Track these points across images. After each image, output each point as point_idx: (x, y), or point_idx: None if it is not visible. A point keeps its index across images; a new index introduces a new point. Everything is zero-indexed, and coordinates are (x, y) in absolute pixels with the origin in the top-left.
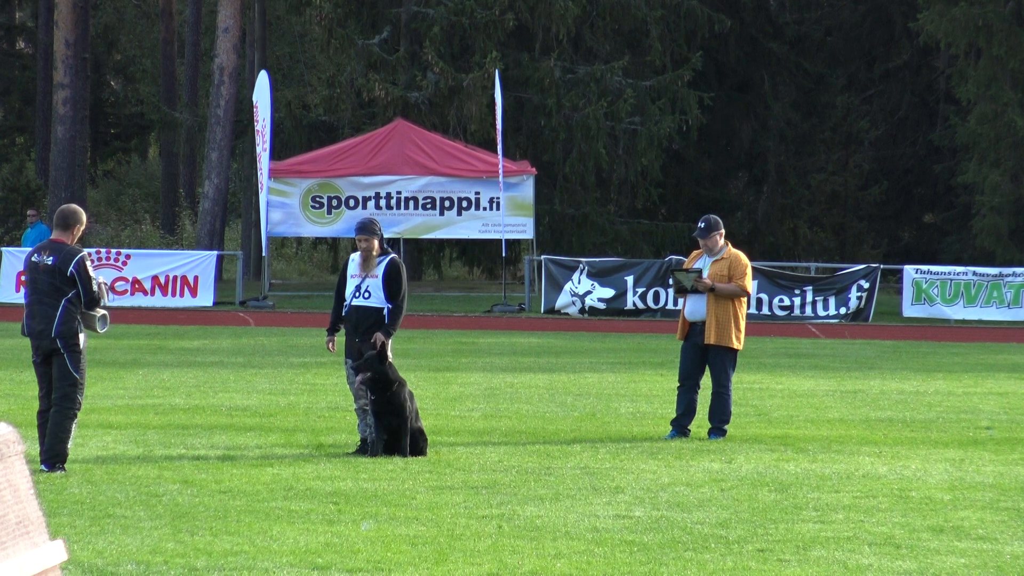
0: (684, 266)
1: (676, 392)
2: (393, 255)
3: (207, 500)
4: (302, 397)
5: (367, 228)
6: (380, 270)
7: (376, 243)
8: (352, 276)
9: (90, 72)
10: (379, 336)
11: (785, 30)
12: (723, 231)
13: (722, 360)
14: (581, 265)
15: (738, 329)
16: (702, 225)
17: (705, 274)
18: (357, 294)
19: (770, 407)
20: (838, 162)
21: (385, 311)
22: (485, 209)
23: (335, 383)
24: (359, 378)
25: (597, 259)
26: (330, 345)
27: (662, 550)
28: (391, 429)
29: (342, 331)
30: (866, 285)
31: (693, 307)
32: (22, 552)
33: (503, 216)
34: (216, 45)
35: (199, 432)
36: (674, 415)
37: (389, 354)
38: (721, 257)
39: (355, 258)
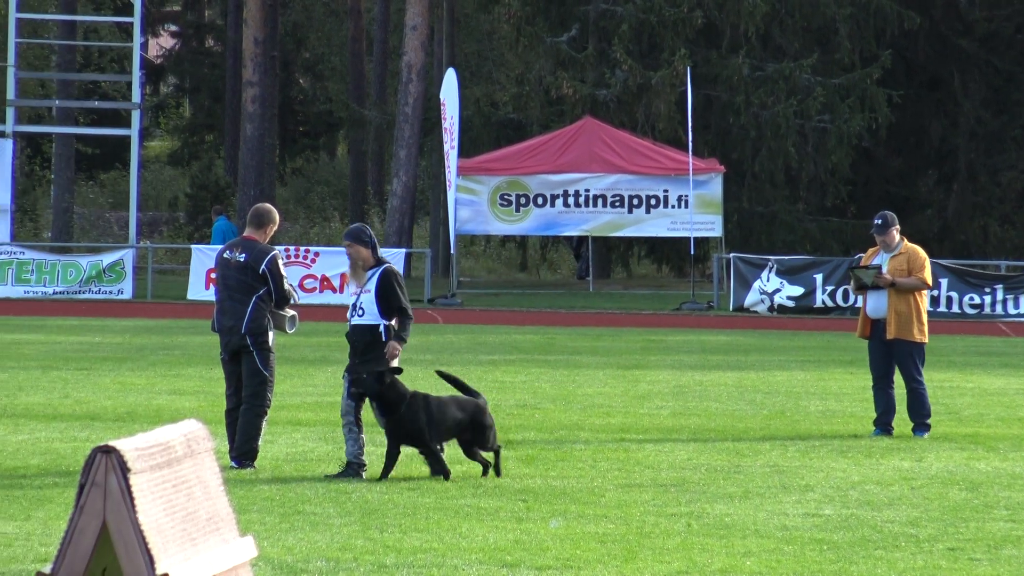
0: (862, 263)
1: (871, 391)
2: (387, 265)
3: (396, 497)
4: (490, 394)
5: (353, 234)
6: (372, 284)
7: (364, 251)
8: (351, 292)
9: (279, 70)
10: (394, 346)
11: (975, 27)
12: (899, 226)
13: (908, 354)
14: (770, 263)
15: (920, 322)
16: (879, 222)
17: (884, 270)
18: (353, 312)
19: (960, 405)
20: None
21: (381, 328)
22: (673, 207)
23: (523, 380)
24: (352, 389)
25: (786, 257)
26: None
27: (852, 549)
28: (424, 454)
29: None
30: None
31: (875, 304)
32: (213, 548)
33: (691, 214)
34: (404, 43)
35: None
36: (873, 415)
37: (395, 362)
38: (899, 252)
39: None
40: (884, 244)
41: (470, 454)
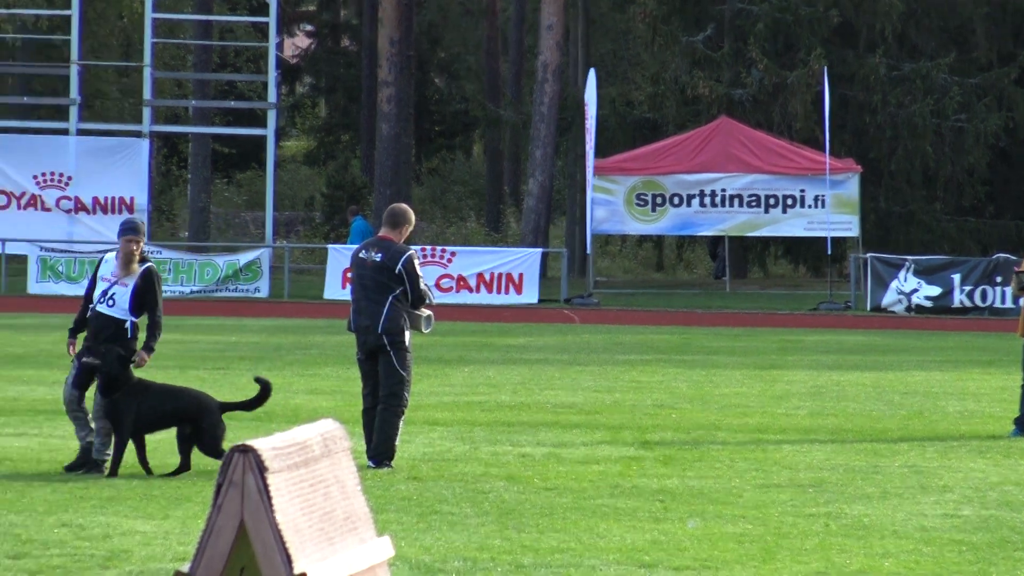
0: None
1: (1019, 390)
2: (150, 264)
3: (533, 497)
4: (628, 394)
5: (138, 228)
6: (132, 280)
7: (143, 247)
8: (103, 278)
9: (414, 70)
10: (143, 355)
11: None
12: None
13: None
14: (907, 263)
15: None
16: None
17: None
18: (103, 299)
19: None
20: None
21: (128, 324)
22: (810, 207)
23: (660, 380)
24: (85, 358)
25: (923, 257)
26: (71, 348)
27: (991, 550)
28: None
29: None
30: None
31: None
32: (350, 547)
33: (828, 214)
34: (539, 42)
35: (525, 429)
36: (1012, 414)
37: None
38: None
39: (110, 258)
40: None
41: (182, 448)
